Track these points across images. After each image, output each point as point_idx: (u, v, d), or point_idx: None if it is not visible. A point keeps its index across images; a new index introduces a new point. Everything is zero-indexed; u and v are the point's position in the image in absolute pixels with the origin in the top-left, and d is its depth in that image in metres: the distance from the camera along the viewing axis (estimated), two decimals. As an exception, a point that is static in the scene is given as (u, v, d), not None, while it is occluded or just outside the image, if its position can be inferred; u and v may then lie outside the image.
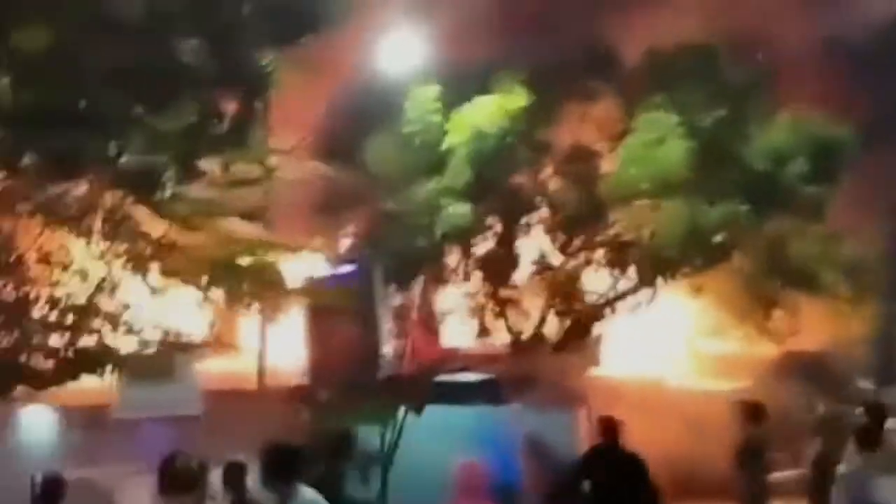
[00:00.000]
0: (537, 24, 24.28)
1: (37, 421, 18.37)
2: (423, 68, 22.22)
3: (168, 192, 12.41)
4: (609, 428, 17.11)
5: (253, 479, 13.49)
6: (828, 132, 21.95)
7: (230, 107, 12.18)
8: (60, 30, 9.59)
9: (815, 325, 29.80)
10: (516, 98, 21.25)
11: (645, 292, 23.93)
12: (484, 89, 21.94)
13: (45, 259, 12.86)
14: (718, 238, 21.30)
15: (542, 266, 24.15)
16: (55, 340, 13.26)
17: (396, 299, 22.08)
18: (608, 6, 24.17)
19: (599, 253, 23.67)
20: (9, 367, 12.89)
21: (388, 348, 20.84)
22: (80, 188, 12.35)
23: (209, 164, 12.84)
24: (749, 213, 21.19)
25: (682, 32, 23.78)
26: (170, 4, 10.83)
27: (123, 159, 11.53)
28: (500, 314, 24.05)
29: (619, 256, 22.98)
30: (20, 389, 13.61)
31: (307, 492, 9.06)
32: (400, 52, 21.88)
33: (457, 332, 23.61)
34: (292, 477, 8.93)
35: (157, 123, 11.50)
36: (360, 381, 19.59)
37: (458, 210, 21.12)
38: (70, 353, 13.35)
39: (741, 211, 21.01)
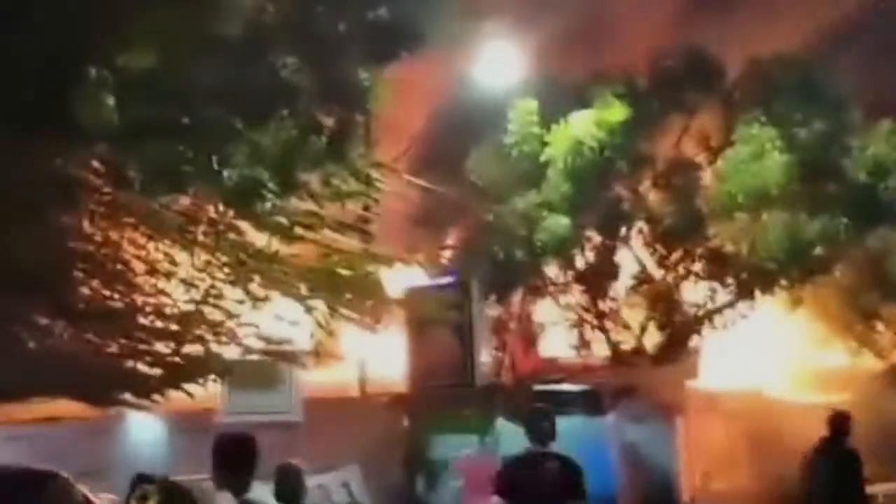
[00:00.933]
0: (637, 34, 24.23)
1: (143, 426, 18.73)
2: (524, 80, 22.20)
3: (268, 205, 12.49)
4: (837, 421, 17.39)
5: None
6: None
7: (330, 121, 12.24)
8: (164, 49, 9.75)
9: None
10: (615, 111, 21.11)
11: (744, 305, 23.68)
12: (583, 101, 21.89)
13: (150, 269, 13.04)
14: (818, 251, 20.96)
15: (642, 278, 24.03)
16: (160, 348, 13.41)
17: (495, 311, 22.14)
18: (709, 15, 24.01)
19: (698, 265, 23.45)
20: (116, 373, 13.08)
21: (486, 359, 20.89)
22: (184, 200, 12.52)
23: (309, 177, 12.92)
24: (849, 226, 20.81)
25: (781, 41, 23.56)
26: (269, 23, 10.95)
27: (225, 173, 11.64)
28: (600, 326, 23.94)
29: (717, 269, 22.72)
30: (127, 395, 13.82)
31: None
32: (501, 63, 21.85)
33: (556, 344, 23.58)
34: None
35: (258, 137, 11.60)
36: (458, 390, 19.67)
37: (558, 222, 21.03)
38: (176, 360, 13.48)
39: (841, 224, 20.65)
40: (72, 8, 9.52)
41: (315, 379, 18.11)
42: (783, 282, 22.20)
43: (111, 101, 9.70)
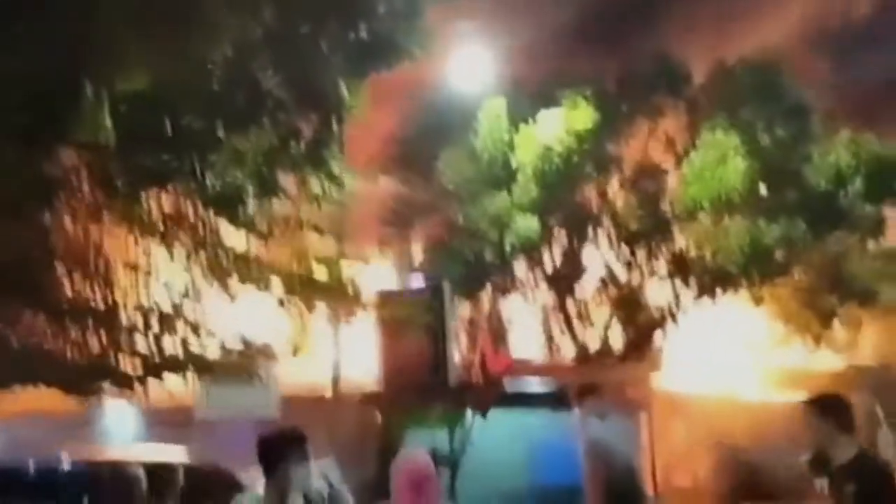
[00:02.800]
0: (606, 39, 24.46)
1: (122, 419, 18.89)
2: (494, 84, 22.42)
3: (249, 208, 12.69)
4: None
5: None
6: (886, 151, 21.91)
7: (308, 128, 12.45)
8: (157, 71, 9.96)
9: (879, 340, 29.67)
10: (583, 116, 21.38)
11: (706, 304, 24.00)
12: (552, 105, 22.12)
13: (131, 267, 13.18)
14: (778, 255, 21.32)
15: (608, 279, 24.31)
16: (141, 344, 13.55)
17: (466, 311, 22.35)
18: (677, 21, 24.28)
19: (662, 266, 23.76)
20: (97, 367, 13.21)
21: (457, 358, 21.09)
22: (166, 203, 12.69)
23: (287, 181, 13.11)
24: (808, 230, 21.17)
25: (749, 48, 23.87)
26: (253, 44, 11.16)
27: (207, 177, 11.84)
28: (567, 325, 24.21)
29: (681, 270, 23.04)
30: (106, 388, 13.96)
31: None
32: (472, 67, 22.05)
33: (524, 343, 23.82)
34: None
35: (239, 144, 11.81)
36: (430, 388, 19.87)
37: (526, 224, 21.29)
38: (156, 357, 13.62)
39: (800, 229, 21.01)
40: (71, 31, 9.72)
41: (291, 379, 18.31)
42: (744, 283, 22.54)
43: (108, 120, 9.90)
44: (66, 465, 13.30)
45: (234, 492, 11.82)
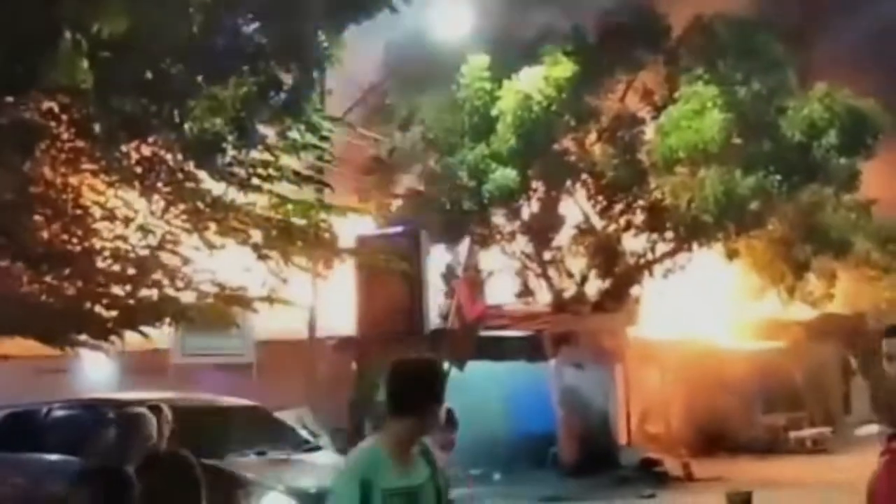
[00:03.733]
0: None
1: (99, 366, 18.82)
2: (476, 35, 22.30)
3: (227, 157, 12.57)
4: None
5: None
6: (860, 105, 21.90)
7: (288, 77, 12.29)
8: (136, 15, 9.77)
9: (851, 291, 29.86)
10: (562, 67, 21.28)
11: (682, 256, 24.05)
12: (533, 57, 22.04)
13: (109, 214, 13.07)
14: (753, 206, 21.33)
15: (585, 229, 24.31)
16: (117, 291, 13.46)
17: (443, 259, 22.31)
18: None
19: (639, 217, 23.77)
20: (73, 314, 13.13)
21: (433, 305, 21.09)
22: (145, 150, 12.56)
23: (267, 130, 12.98)
24: (782, 182, 21.20)
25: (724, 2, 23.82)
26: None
27: (186, 125, 11.70)
28: (543, 274, 24.22)
29: (657, 221, 23.04)
30: (84, 337, 13.88)
31: None
32: (453, 17, 21.89)
33: (501, 292, 23.82)
34: None
35: (218, 92, 11.65)
36: (406, 336, 19.86)
37: (505, 174, 21.24)
38: (131, 303, 13.53)
39: (775, 180, 21.03)
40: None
41: (266, 323, 18.27)
42: (719, 234, 22.58)
43: (85, 64, 9.74)
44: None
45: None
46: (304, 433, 14.93)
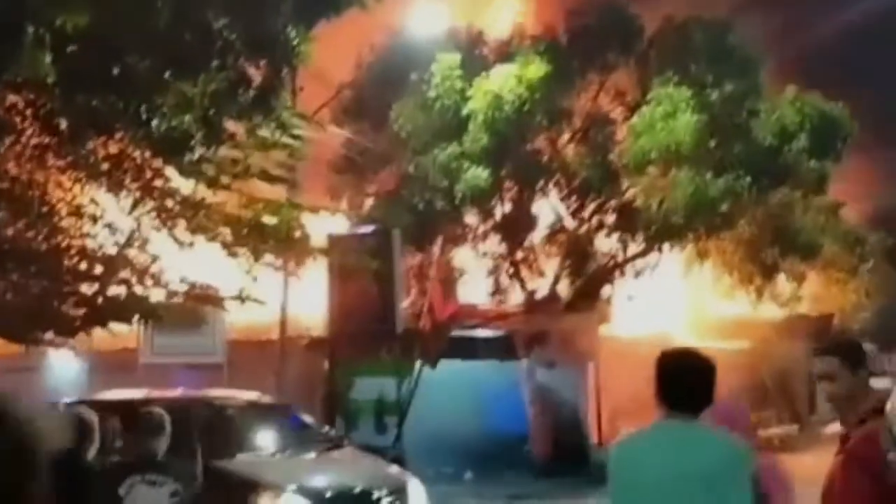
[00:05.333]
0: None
1: (67, 365, 18.49)
2: (448, 34, 22.08)
3: (196, 154, 12.26)
4: None
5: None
6: (829, 109, 21.77)
7: (257, 74, 12.01)
8: (100, 9, 9.49)
9: (818, 292, 29.82)
10: (535, 67, 21.04)
11: (653, 256, 23.88)
12: (506, 56, 21.84)
13: (76, 212, 12.77)
14: (723, 208, 21.15)
15: (557, 228, 24.10)
16: (85, 289, 13.17)
17: (415, 258, 22.07)
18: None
19: (611, 217, 23.57)
20: (40, 313, 12.83)
21: (406, 304, 20.84)
22: (112, 147, 12.25)
23: (236, 128, 12.70)
24: (752, 184, 21.01)
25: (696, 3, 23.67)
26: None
27: (154, 121, 11.39)
28: (515, 274, 23.99)
29: (629, 222, 22.83)
30: (50, 335, 13.61)
31: None
32: (426, 16, 21.65)
33: (474, 291, 23.60)
34: None
35: (186, 88, 11.35)
36: (378, 335, 19.63)
37: (477, 173, 20.96)
38: (99, 301, 13.24)
39: (745, 182, 20.83)
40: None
41: (237, 322, 17.97)
42: (690, 235, 22.40)
43: (48, 58, 9.42)
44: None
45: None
46: (326, 429, 14.83)
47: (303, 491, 11.43)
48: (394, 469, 13.41)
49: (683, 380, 5.07)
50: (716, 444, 5.11)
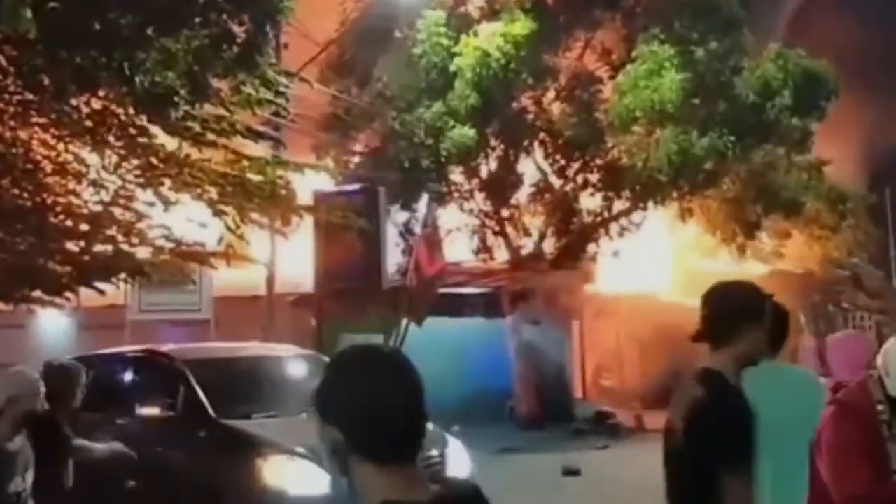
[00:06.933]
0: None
1: (54, 322, 18.38)
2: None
3: (180, 111, 12.04)
4: None
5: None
6: (813, 66, 21.58)
7: (241, 31, 11.80)
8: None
9: (801, 249, 29.78)
10: (521, 24, 20.82)
11: (637, 214, 23.78)
12: (492, 14, 21.65)
13: (60, 169, 12.60)
14: (707, 166, 21.04)
15: (542, 187, 23.98)
16: (71, 247, 13.01)
17: (401, 216, 21.94)
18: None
19: (596, 176, 23.44)
20: (26, 271, 12.67)
21: (392, 262, 20.74)
22: (95, 104, 12.06)
23: (221, 85, 12.49)
24: (736, 143, 20.86)
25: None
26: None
27: (137, 78, 11.17)
28: (501, 232, 23.88)
29: (614, 180, 22.70)
30: (37, 293, 13.46)
31: None
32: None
33: (459, 249, 23.50)
34: None
35: (169, 44, 11.14)
36: (364, 292, 19.54)
37: (463, 131, 20.78)
38: (85, 259, 13.08)
39: (729, 140, 20.68)
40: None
41: (224, 278, 17.85)
42: (674, 194, 22.29)
43: (29, 13, 9.19)
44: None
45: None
46: None
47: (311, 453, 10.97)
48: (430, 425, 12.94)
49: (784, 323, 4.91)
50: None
